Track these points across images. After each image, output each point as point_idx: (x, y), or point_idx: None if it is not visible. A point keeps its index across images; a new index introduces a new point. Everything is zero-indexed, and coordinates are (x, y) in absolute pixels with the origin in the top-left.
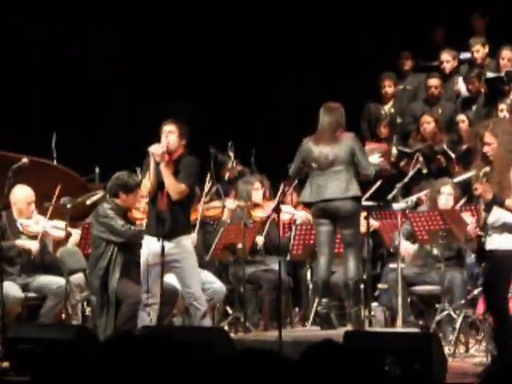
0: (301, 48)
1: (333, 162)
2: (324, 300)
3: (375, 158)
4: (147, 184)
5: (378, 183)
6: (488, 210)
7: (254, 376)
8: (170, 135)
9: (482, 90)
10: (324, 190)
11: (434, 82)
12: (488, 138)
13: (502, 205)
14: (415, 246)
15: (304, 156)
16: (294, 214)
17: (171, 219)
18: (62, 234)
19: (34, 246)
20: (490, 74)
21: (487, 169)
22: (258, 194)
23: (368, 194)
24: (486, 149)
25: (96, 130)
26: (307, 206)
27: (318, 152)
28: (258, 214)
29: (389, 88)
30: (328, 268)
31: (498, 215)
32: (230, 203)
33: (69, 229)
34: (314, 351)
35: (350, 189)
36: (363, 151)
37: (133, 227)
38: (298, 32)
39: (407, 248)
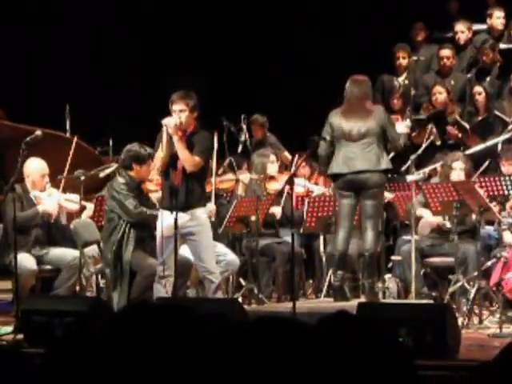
0: (315, 20)
1: (365, 134)
2: (339, 272)
3: (402, 127)
4: (160, 156)
5: (413, 157)
6: None
7: (270, 342)
8: (182, 114)
9: (498, 64)
10: (355, 162)
11: (446, 52)
12: None
13: None
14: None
15: (334, 129)
16: (308, 187)
17: (185, 191)
18: (75, 206)
19: (54, 209)
20: (503, 46)
21: None
22: (273, 167)
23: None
24: None
25: (110, 102)
26: (334, 177)
27: (350, 126)
28: (273, 186)
29: (403, 60)
30: (347, 241)
31: None
32: (245, 178)
33: (83, 202)
34: (327, 322)
35: (381, 162)
36: (393, 124)
37: (145, 210)
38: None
39: (425, 216)
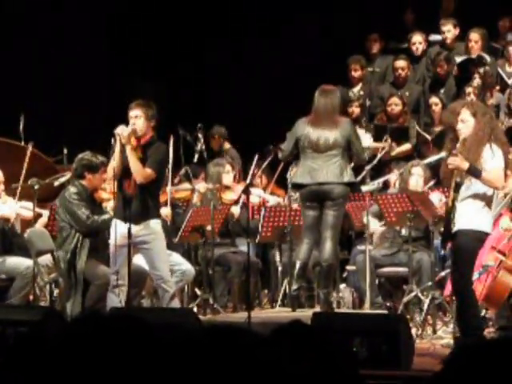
0: (273, 30)
1: (332, 146)
2: (299, 281)
3: (368, 141)
4: (113, 166)
5: (368, 167)
6: (457, 189)
7: (222, 351)
8: (137, 120)
9: (454, 73)
10: (319, 173)
11: (400, 63)
12: (464, 114)
13: (478, 176)
14: (382, 228)
15: (299, 137)
16: (264, 197)
17: (138, 202)
18: (30, 214)
19: (11, 213)
20: (458, 59)
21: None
22: (228, 177)
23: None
24: (460, 125)
25: (64, 111)
26: (297, 187)
27: (317, 135)
28: (228, 196)
29: (355, 72)
30: (309, 252)
31: (467, 188)
32: (201, 187)
33: (38, 209)
34: (282, 331)
35: (345, 175)
36: (358, 136)
37: (97, 217)
38: (268, 15)
39: (375, 228)
